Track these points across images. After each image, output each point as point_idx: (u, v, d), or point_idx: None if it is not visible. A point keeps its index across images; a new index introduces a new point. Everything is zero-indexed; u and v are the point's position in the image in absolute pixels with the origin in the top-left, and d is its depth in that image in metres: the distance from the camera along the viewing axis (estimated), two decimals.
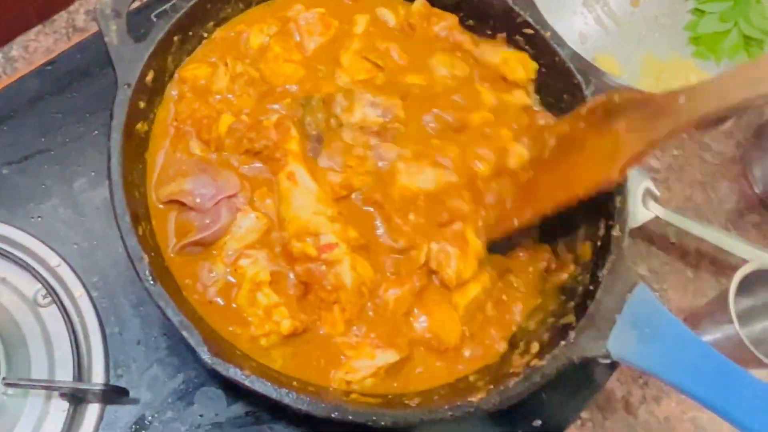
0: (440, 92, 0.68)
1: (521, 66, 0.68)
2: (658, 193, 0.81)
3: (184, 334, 0.52)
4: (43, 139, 0.68)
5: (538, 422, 0.66)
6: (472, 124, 0.66)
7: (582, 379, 0.69)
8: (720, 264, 0.83)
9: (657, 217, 0.80)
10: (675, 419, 0.75)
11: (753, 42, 0.92)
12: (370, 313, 0.59)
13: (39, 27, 0.78)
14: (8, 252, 0.63)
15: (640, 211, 0.80)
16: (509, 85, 0.69)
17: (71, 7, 0.79)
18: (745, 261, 0.78)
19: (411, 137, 0.65)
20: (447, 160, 0.63)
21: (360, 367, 0.57)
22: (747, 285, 0.73)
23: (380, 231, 0.62)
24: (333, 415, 0.51)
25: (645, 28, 0.92)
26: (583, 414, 0.72)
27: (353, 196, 0.62)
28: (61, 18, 0.78)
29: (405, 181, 0.62)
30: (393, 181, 0.62)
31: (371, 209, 0.62)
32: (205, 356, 0.51)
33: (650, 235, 0.83)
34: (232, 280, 0.58)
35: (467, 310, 0.61)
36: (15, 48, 0.76)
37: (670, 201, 0.85)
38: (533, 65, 0.69)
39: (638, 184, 0.81)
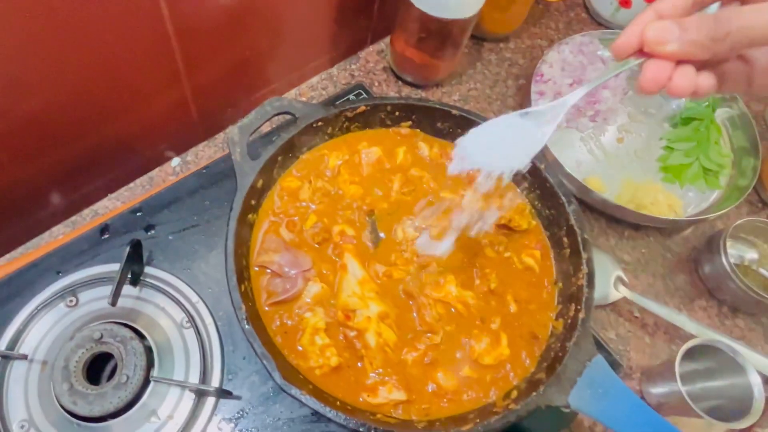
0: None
1: (522, 218, 0.63)
2: (626, 280, 0.75)
3: (264, 362, 0.50)
4: (195, 218, 0.67)
5: None
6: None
7: (556, 417, 0.63)
8: (672, 334, 0.74)
9: (625, 298, 0.73)
10: None
11: (710, 172, 0.84)
12: (396, 361, 0.55)
13: (205, 141, 0.78)
14: (167, 291, 0.63)
15: (612, 292, 0.74)
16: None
17: (227, 129, 0.79)
18: (692, 334, 0.70)
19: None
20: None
21: (378, 395, 0.53)
22: (692, 353, 0.65)
23: (412, 314, 0.58)
24: (360, 429, 0.49)
25: (626, 158, 0.86)
26: None
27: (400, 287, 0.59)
28: (219, 137, 0.79)
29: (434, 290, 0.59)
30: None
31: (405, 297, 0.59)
32: (278, 379, 0.49)
33: (619, 310, 0.75)
34: (299, 327, 0.56)
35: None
36: (190, 155, 0.77)
37: (636, 286, 0.77)
38: (529, 215, 0.64)
39: (612, 272, 0.75)
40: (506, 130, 0.48)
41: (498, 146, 0.48)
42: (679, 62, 0.39)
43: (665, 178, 0.84)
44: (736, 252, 0.79)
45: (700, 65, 0.40)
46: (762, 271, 0.77)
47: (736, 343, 0.71)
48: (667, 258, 0.80)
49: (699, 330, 0.71)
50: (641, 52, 0.40)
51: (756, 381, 0.63)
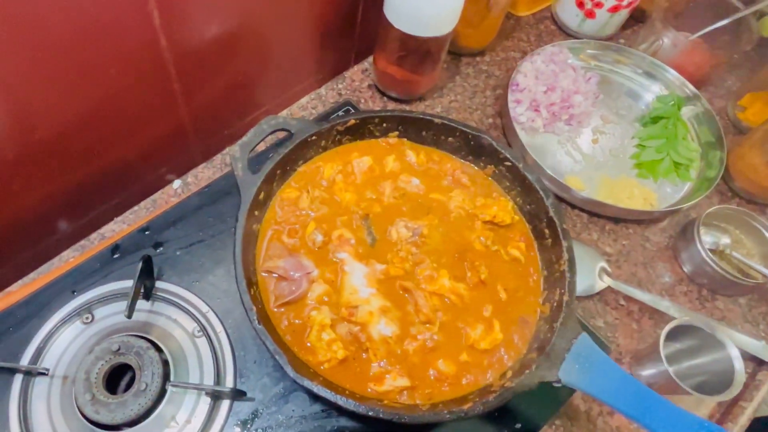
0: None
1: (506, 214, 0.69)
2: (610, 270, 0.80)
3: (277, 357, 0.54)
4: (201, 233, 0.71)
5: (518, 425, 0.65)
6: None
7: (550, 397, 0.68)
8: (657, 319, 0.80)
9: (610, 287, 0.79)
10: (624, 428, 0.71)
11: (681, 166, 0.91)
12: (399, 351, 0.60)
13: (204, 164, 0.83)
14: (178, 303, 0.67)
15: (597, 282, 0.79)
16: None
17: (224, 151, 0.84)
18: (674, 317, 0.76)
19: (434, 248, 0.67)
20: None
21: (384, 384, 0.58)
22: (675, 334, 0.71)
23: (410, 306, 0.63)
24: (369, 414, 0.53)
25: (602, 158, 0.92)
26: (557, 421, 0.70)
27: (397, 283, 0.64)
28: (217, 158, 0.84)
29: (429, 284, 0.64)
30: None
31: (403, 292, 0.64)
32: (290, 372, 0.54)
33: (605, 299, 0.80)
34: (307, 325, 0.60)
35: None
36: (190, 177, 0.82)
37: (620, 276, 0.83)
38: (512, 210, 0.69)
39: (595, 263, 0.80)
40: None
41: None
42: None
43: (639, 174, 0.91)
44: (710, 238, 0.85)
45: None
46: (735, 254, 0.83)
47: (715, 321, 0.77)
48: (647, 248, 0.86)
49: (681, 313, 0.77)
50: None
51: (735, 354, 0.68)
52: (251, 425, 0.62)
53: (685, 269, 0.84)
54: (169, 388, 0.62)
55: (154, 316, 0.67)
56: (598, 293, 0.80)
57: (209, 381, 0.63)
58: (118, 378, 0.63)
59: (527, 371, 0.56)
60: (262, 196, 0.64)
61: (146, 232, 0.71)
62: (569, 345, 0.56)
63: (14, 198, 0.67)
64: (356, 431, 0.63)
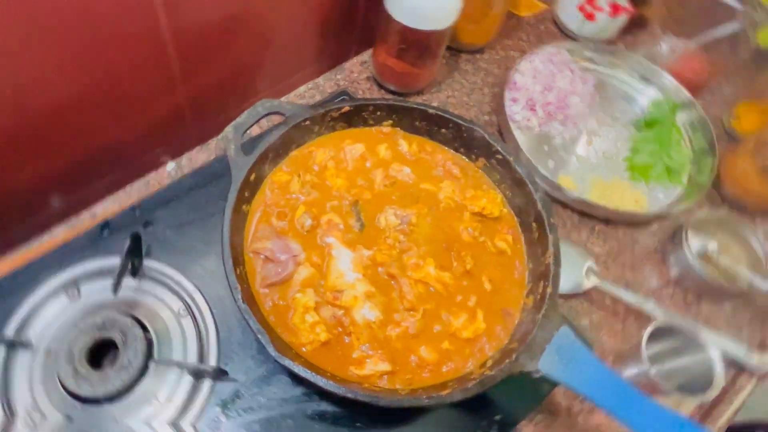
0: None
1: (495, 206, 0.69)
2: (597, 269, 0.81)
3: (259, 336, 0.55)
4: (192, 214, 0.72)
5: (498, 416, 0.66)
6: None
7: (531, 390, 0.69)
8: (642, 320, 0.80)
9: (596, 288, 0.79)
10: (604, 426, 0.72)
11: (673, 171, 0.92)
12: (381, 336, 0.61)
13: (198, 147, 0.84)
14: (165, 282, 0.68)
15: (584, 281, 0.80)
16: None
17: (219, 135, 0.83)
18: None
19: (421, 237, 0.67)
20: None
21: (365, 368, 0.58)
22: (658, 336, 0.71)
23: (395, 293, 0.63)
24: (348, 395, 0.53)
25: (595, 159, 0.93)
26: (538, 417, 0.71)
27: (379, 269, 0.64)
28: (212, 143, 0.84)
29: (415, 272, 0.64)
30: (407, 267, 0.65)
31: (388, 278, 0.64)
32: (272, 352, 0.54)
33: (592, 298, 0.81)
34: (291, 307, 0.61)
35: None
36: (184, 159, 0.82)
37: (608, 276, 0.83)
38: (501, 203, 0.70)
39: (583, 263, 0.81)
40: None
41: None
42: None
43: (632, 177, 0.91)
44: (698, 243, 0.86)
45: None
46: (722, 260, 0.84)
47: (698, 324, 0.78)
48: (636, 250, 0.86)
49: (666, 315, 0.77)
50: None
51: (716, 355, 0.68)
52: (232, 405, 0.63)
53: (672, 273, 0.85)
54: (152, 366, 0.62)
55: (141, 294, 0.67)
56: (584, 292, 0.80)
57: (193, 359, 0.64)
58: (102, 354, 0.64)
59: (507, 360, 0.57)
60: (253, 177, 0.64)
61: (137, 211, 0.72)
62: (550, 336, 0.57)
63: (6, 172, 0.68)
64: (337, 415, 0.64)
